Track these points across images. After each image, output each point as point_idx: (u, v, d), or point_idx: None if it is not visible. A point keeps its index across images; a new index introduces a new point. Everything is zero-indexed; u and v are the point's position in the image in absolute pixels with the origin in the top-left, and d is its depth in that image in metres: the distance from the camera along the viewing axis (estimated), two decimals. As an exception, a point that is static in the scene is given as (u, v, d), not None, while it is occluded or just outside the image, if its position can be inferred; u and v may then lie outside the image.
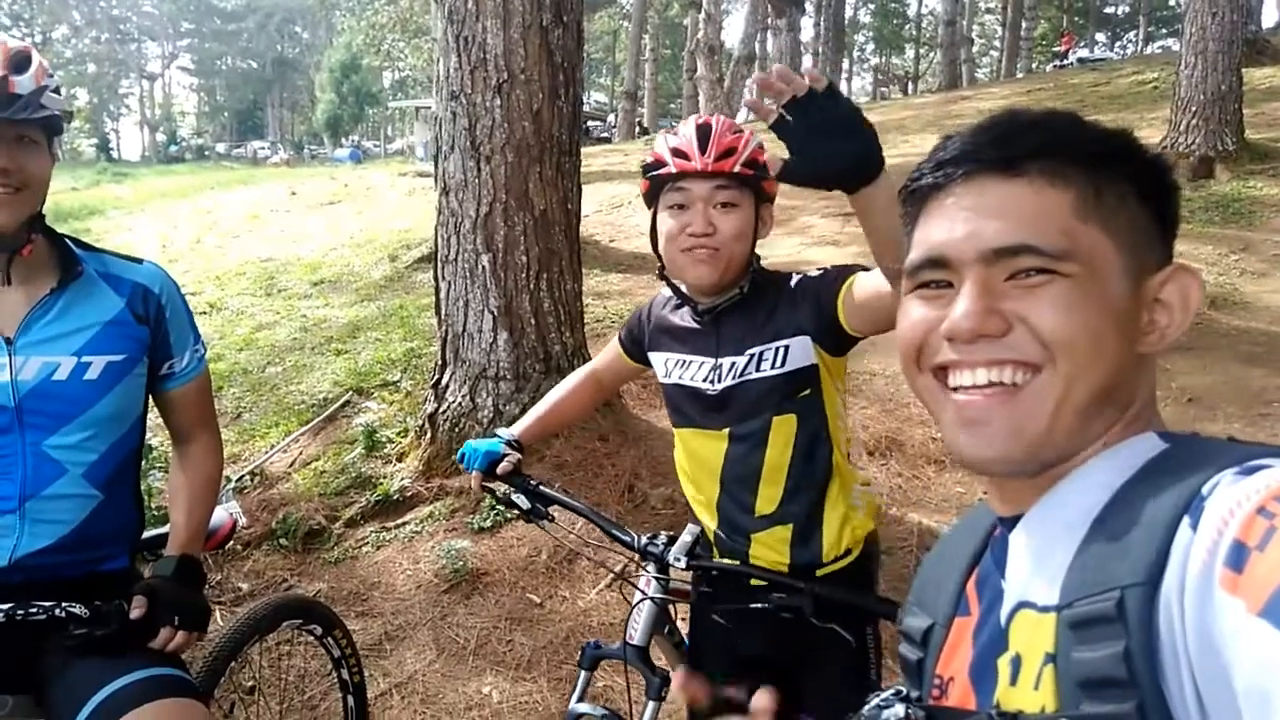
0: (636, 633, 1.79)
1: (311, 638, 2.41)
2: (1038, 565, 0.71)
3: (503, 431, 2.05)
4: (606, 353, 2.12)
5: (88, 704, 1.53)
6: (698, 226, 1.65)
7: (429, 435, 4.59)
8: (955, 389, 0.73)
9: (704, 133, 1.66)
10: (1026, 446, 0.71)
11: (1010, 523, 0.76)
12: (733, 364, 1.74)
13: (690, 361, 1.80)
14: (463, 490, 4.22)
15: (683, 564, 1.75)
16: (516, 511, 1.94)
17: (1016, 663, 0.70)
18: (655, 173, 1.71)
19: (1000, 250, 0.71)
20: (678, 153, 1.66)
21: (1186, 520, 0.58)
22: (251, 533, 4.09)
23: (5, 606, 1.49)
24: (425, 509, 4.20)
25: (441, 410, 4.56)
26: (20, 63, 1.52)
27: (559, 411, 2.15)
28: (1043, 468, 0.73)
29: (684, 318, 1.84)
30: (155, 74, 74.83)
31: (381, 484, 4.40)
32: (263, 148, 56.43)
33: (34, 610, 1.52)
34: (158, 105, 74.18)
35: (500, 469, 1.94)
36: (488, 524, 4.00)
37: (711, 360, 1.76)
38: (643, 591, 1.81)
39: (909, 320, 0.77)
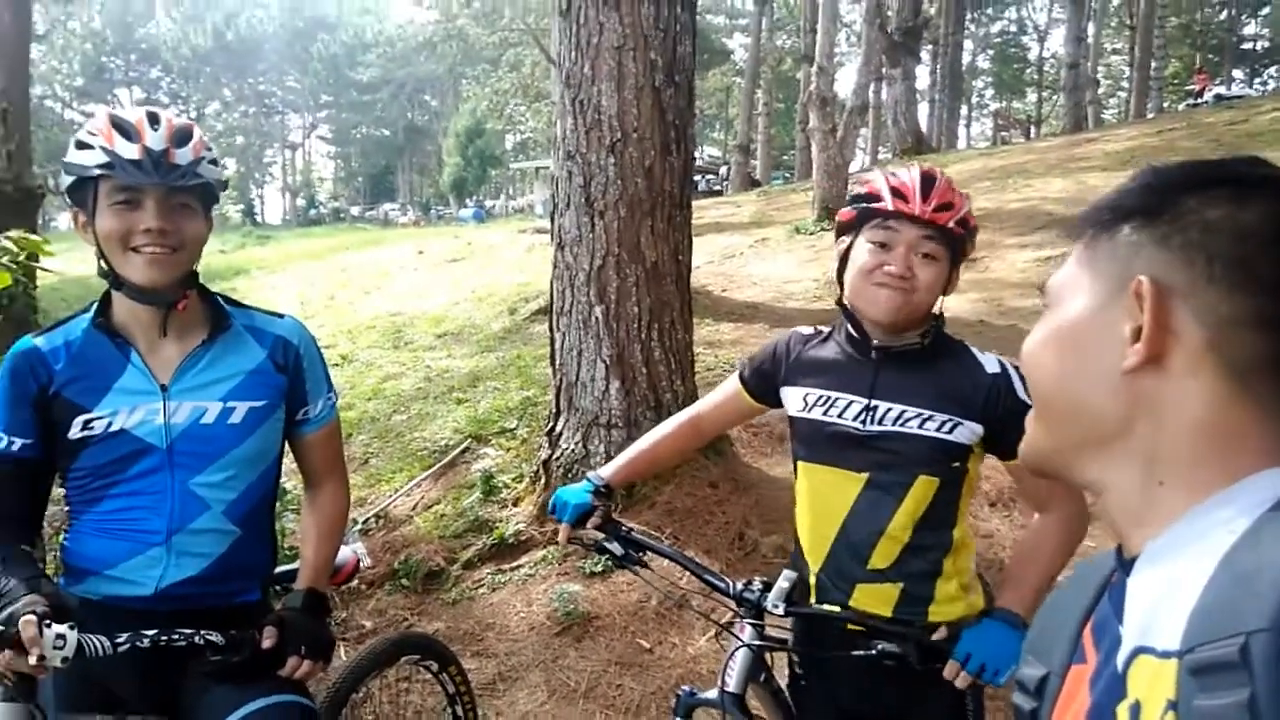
0: (732, 680, 1.78)
1: (428, 674, 2.50)
2: (1157, 609, 0.68)
3: (592, 475, 2.04)
4: (716, 394, 2.08)
5: None
6: (898, 268, 1.66)
7: (543, 481, 4.70)
8: None
9: (928, 181, 1.68)
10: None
11: (1128, 568, 0.75)
12: (890, 410, 1.72)
13: (837, 399, 1.77)
14: (575, 536, 4.29)
15: (780, 610, 1.73)
16: (610, 558, 1.95)
17: (1136, 710, 0.67)
18: (868, 205, 1.72)
19: None
20: (897, 192, 1.68)
21: None
22: (375, 573, 4.26)
23: (151, 633, 1.62)
24: (539, 553, 4.29)
25: (555, 457, 4.67)
26: (183, 136, 1.70)
27: (653, 454, 2.12)
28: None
29: (834, 352, 1.83)
30: (296, 143, 79.94)
31: (498, 528, 4.52)
32: (393, 209, 59.26)
33: (176, 637, 1.65)
34: (298, 172, 79.06)
35: (590, 524, 1.94)
36: (599, 569, 4.05)
37: (864, 400, 1.74)
38: (738, 638, 1.80)
39: None
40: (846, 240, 1.78)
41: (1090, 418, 0.75)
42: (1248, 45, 55.98)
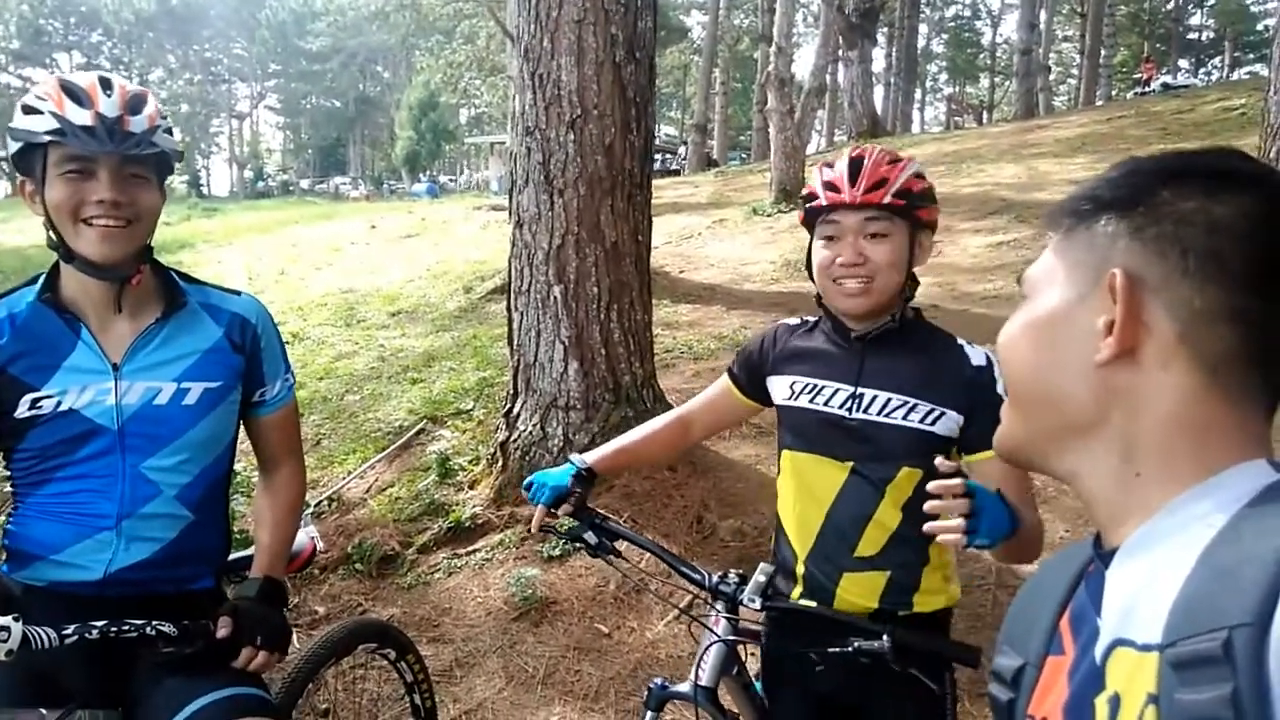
0: (705, 673, 1.76)
1: (385, 662, 2.45)
2: (1136, 601, 0.69)
3: (575, 458, 1.99)
4: (706, 395, 2.04)
5: (174, 718, 1.59)
6: (847, 257, 1.66)
7: (500, 463, 4.65)
8: None
9: (855, 166, 1.67)
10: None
11: (1106, 558, 0.75)
12: (875, 398, 1.72)
13: (823, 386, 1.77)
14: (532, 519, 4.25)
15: (757, 605, 1.72)
16: (584, 547, 1.91)
17: (1115, 702, 0.68)
18: (808, 204, 1.74)
19: None
20: (829, 185, 1.69)
21: None
22: (328, 557, 4.19)
23: (100, 624, 1.55)
24: (496, 536, 4.24)
25: (513, 439, 4.62)
26: (137, 103, 1.62)
27: (640, 449, 2.07)
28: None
29: (821, 341, 1.83)
30: (244, 113, 77.99)
31: (454, 511, 4.47)
32: (344, 183, 58.24)
33: (127, 628, 1.58)
34: (246, 143, 77.13)
35: (563, 510, 1.90)
36: (557, 553, 4.02)
37: (850, 388, 1.74)
38: (714, 632, 1.78)
39: None
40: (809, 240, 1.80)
41: (1065, 408, 0.76)
42: (1193, 35, 57.23)
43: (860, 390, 1.73)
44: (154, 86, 65.23)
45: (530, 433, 4.58)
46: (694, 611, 1.90)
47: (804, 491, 1.81)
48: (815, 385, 1.79)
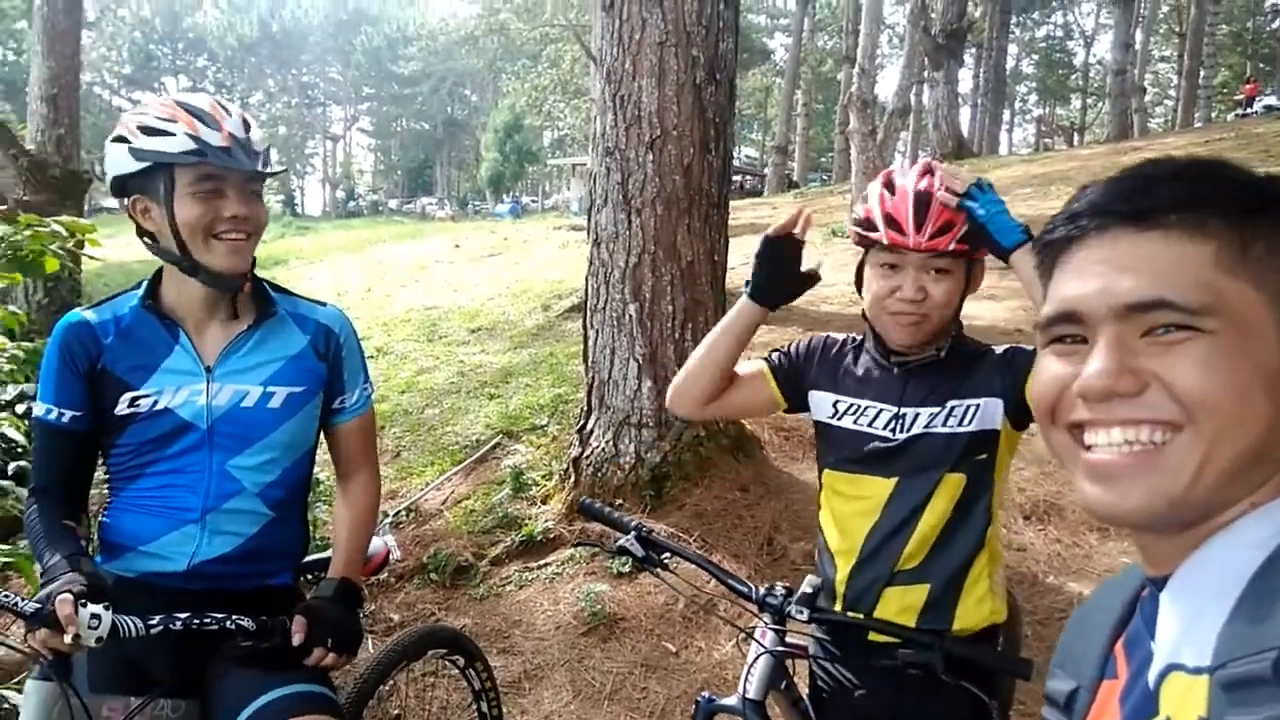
0: (753, 686, 1.75)
1: (455, 669, 2.50)
2: (1189, 626, 0.68)
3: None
4: (740, 372, 1.97)
5: (243, 712, 1.67)
6: (908, 292, 1.64)
7: (573, 479, 4.69)
8: (1090, 447, 0.71)
9: (920, 206, 1.63)
10: (1166, 505, 0.68)
11: (1160, 583, 0.73)
12: (919, 415, 1.72)
13: (868, 407, 1.77)
14: (604, 534, 4.28)
15: (805, 616, 1.71)
16: (631, 560, 1.90)
17: None
18: (866, 234, 1.70)
19: (1134, 305, 0.69)
20: (891, 222, 1.64)
21: None
22: (405, 566, 4.28)
23: (184, 615, 1.62)
24: (567, 551, 4.28)
25: (585, 455, 4.66)
26: (249, 124, 1.73)
27: (716, 352, 1.93)
28: (1183, 526, 0.70)
29: (866, 363, 1.82)
30: (338, 135, 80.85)
31: (526, 525, 4.52)
32: (431, 203, 59.76)
33: (208, 621, 1.65)
34: (338, 164, 79.94)
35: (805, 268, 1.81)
36: (626, 569, 4.04)
37: (894, 409, 1.74)
38: (760, 643, 1.77)
39: (1044, 376, 0.76)
40: (862, 256, 1.79)
41: (1265, 465, 0.68)
42: (1301, 54, 54.70)
43: (904, 410, 1.73)
44: (254, 109, 68.10)
45: (603, 449, 4.62)
46: (747, 626, 1.88)
47: (849, 509, 1.80)
48: (860, 406, 1.78)
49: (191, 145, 1.63)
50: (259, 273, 1.88)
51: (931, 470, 1.71)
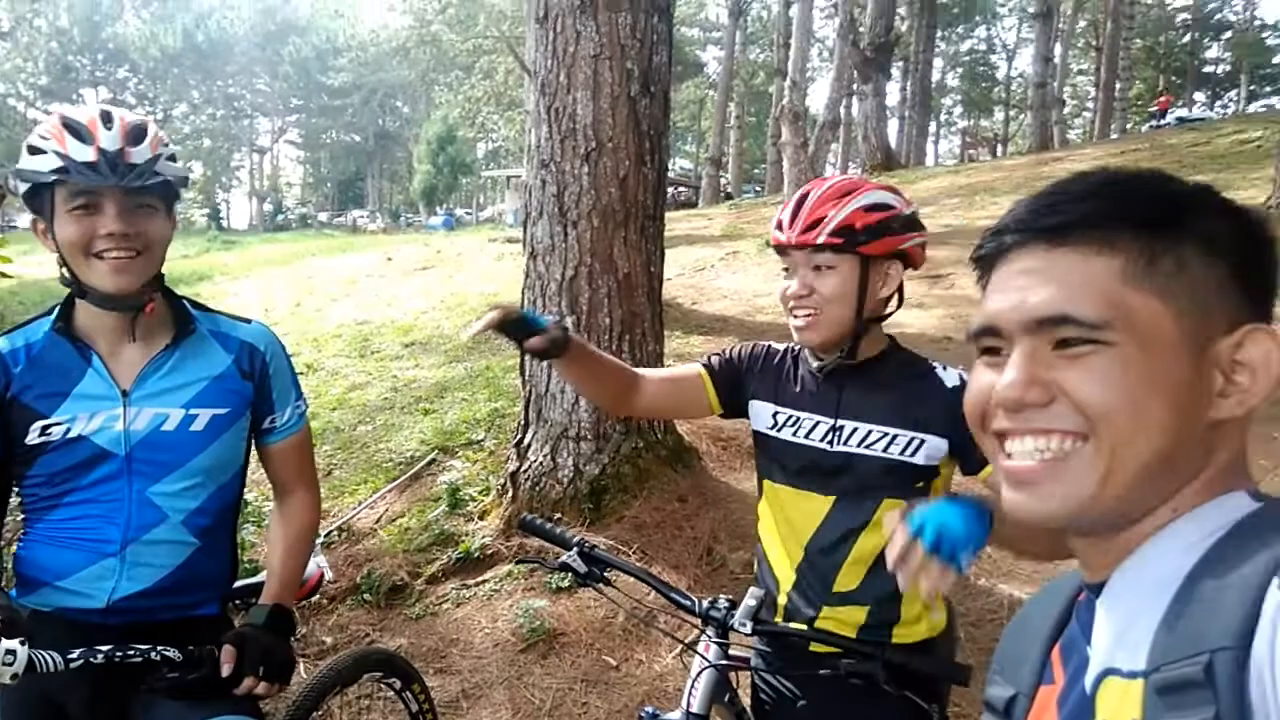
0: (696, 700, 1.73)
1: (391, 691, 2.44)
2: (1124, 630, 0.69)
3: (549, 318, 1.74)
4: (671, 371, 1.96)
5: None
6: (794, 289, 1.68)
7: (510, 494, 4.64)
8: (1010, 455, 0.74)
9: (798, 205, 1.68)
10: (1076, 511, 0.71)
11: (1096, 589, 0.75)
12: (856, 430, 1.71)
13: (804, 419, 1.77)
14: (543, 550, 4.24)
15: (748, 629, 1.70)
16: (573, 576, 1.88)
17: None
18: (770, 243, 1.77)
19: (1042, 320, 0.71)
20: (778, 225, 1.71)
21: (1276, 582, 0.57)
22: (337, 587, 4.18)
23: (105, 649, 1.56)
24: (505, 567, 4.23)
25: (523, 469, 4.62)
26: (137, 135, 1.63)
27: (606, 365, 1.86)
28: (1107, 531, 0.72)
29: (803, 374, 1.82)
30: (265, 148, 79.14)
31: (463, 542, 4.46)
32: (362, 216, 58.88)
33: (131, 654, 1.59)
34: (266, 177, 78.30)
35: (531, 342, 1.64)
36: (565, 584, 4.00)
37: (830, 420, 1.74)
38: (704, 657, 1.76)
39: (973, 386, 0.79)
40: None
41: (1184, 465, 0.70)
42: (1209, 69, 57.30)
43: (840, 422, 1.73)
44: (178, 121, 66.44)
45: (541, 463, 4.58)
46: (689, 640, 1.87)
47: (785, 524, 1.80)
48: (797, 418, 1.78)
49: (57, 163, 1.56)
50: (182, 290, 1.82)
51: (871, 494, 1.71)
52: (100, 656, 1.55)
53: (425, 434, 6.26)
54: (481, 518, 4.74)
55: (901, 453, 1.68)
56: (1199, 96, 55.48)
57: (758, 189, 36.19)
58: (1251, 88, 53.02)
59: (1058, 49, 33.87)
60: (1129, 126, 36.91)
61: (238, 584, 1.98)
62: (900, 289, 1.73)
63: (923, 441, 1.67)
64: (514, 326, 1.64)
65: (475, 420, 6.35)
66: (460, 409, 6.75)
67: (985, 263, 0.80)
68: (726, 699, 1.87)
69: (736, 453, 5.13)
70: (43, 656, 1.46)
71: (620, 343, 4.57)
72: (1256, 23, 55.11)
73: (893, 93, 36.17)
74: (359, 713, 2.75)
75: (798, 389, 1.81)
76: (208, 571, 1.82)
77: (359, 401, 7.64)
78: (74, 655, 1.51)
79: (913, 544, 1.28)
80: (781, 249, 1.71)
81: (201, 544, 1.78)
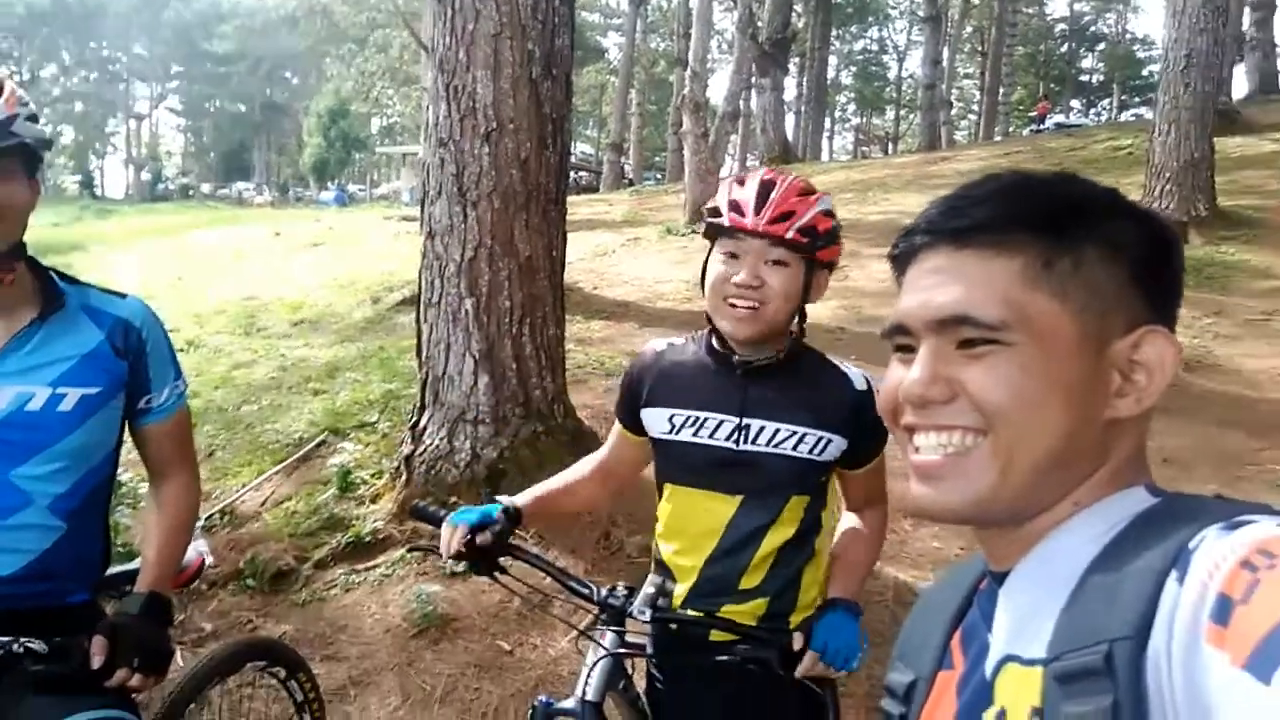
0: (591, 688, 1.70)
1: (275, 680, 2.36)
2: (1025, 619, 0.71)
3: (504, 499, 1.86)
4: (610, 443, 1.98)
5: None
6: (745, 277, 1.61)
7: (405, 477, 4.54)
8: (917, 449, 0.76)
9: (765, 191, 1.62)
10: (975, 505, 0.73)
11: (999, 577, 0.76)
12: (763, 429, 1.69)
13: (705, 419, 1.72)
14: (437, 535, 4.16)
15: (647, 616, 1.69)
16: (468, 565, 1.83)
17: (1001, 717, 0.70)
18: (712, 220, 1.68)
19: (944, 320, 0.73)
20: (735, 207, 1.63)
21: (1174, 574, 0.58)
22: (218, 572, 4.01)
23: None
24: (397, 552, 4.13)
25: (419, 452, 4.53)
26: None
27: (569, 493, 1.99)
28: (1008, 523, 0.74)
29: (699, 367, 1.76)
30: (143, 114, 75.09)
31: (354, 525, 4.34)
32: (248, 189, 56.62)
33: None
34: (144, 144, 74.23)
35: (480, 538, 1.73)
36: (460, 568, 3.93)
37: (735, 419, 1.70)
38: (601, 645, 1.73)
39: (887, 381, 0.80)
40: (707, 250, 1.76)
41: (1080, 463, 0.72)
42: (1085, 78, 60.34)
43: (746, 421, 1.70)
44: (46, 83, 62.39)
45: (437, 446, 4.49)
46: (589, 628, 1.84)
47: (689, 526, 1.77)
48: (698, 418, 1.73)
49: None
50: (54, 260, 1.70)
51: (779, 492, 1.71)
52: None
53: (315, 415, 6.07)
54: (374, 501, 4.62)
55: (810, 451, 1.69)
56: (1075, 104, 58.45)
57: (658, 176, 36.33)
58: (1123, 97, 56.11)
59: (946, 52, 35.06)
60: (1011, 130, 38.54)
61: (111, 571, 1.87)
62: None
63: (830, 440, 1.69)
64: (475, 532, 1.74)
65: (368, 402, 6.19)
66: (352, 390, 6.56)
67: (899, 262, 0.81)
68: (621, 686, 1.86)
69: (634, 438, 5.14)
70: None
71: (520, 327, 4.52)
72: (1128, 36, 58.35)
73: (790, 88, 36.81)
74: (239, 701, 2.65)
75: (694, 386, 1.76)
76: (77, 558, 1.71)
77: (244, 380, 7.36)
78: None
79: (816, 660, 1.59)
80: (730, 234, 1.64)
81: (70, 528, 1.67)
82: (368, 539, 4.24)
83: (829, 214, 1.67)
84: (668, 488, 1.81)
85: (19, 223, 1.59)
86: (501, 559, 1.82)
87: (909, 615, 0.93)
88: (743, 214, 1.62)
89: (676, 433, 1.75)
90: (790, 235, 1.61)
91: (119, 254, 17.65)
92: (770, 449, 1.69)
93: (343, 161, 50.01)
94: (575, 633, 3.49)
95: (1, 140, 1.50)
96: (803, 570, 1.76)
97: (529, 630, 3.63)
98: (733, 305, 1.64)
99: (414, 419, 4.68)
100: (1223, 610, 0.54)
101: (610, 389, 6.06)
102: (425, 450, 4.51)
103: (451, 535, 1.74)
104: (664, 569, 1.82)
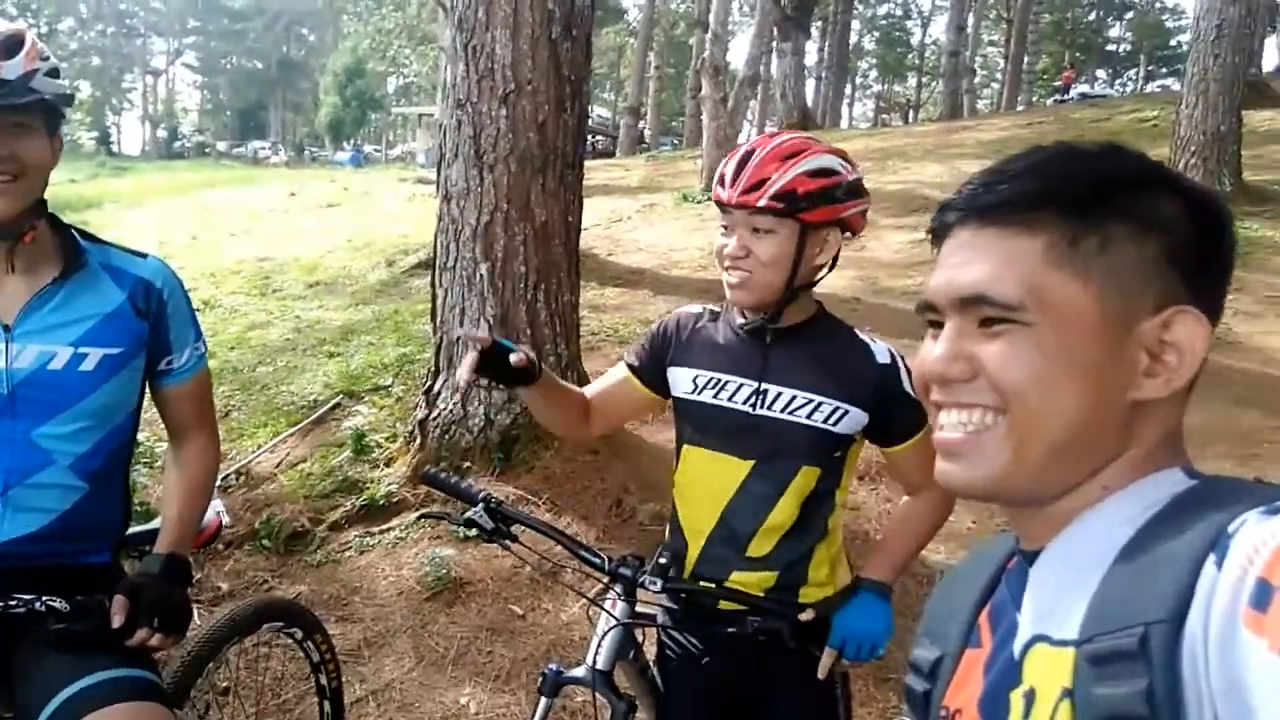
0: (601, 657, 1.72)
1: (291, 641, 2.38)
2: (1057, 599, 0.70)
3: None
4: (603, 385, 1.95)
5: (52, 700, 1.51)
6: (731, 249, 1.63)
7: (418, 441, 4.57)
8: (941, 426, 0.76)
9: (741, 163, 1.62)
10: (991, 483, 0.73)
11: (1030, 556, 0.76)
12: (780, 394, 1.69)
13: (727, 381, 1.73)
14: (449, 501, 4.19)
15: (658, 587, 1.70)
16: (479, 532, 1.82)
17: (1030, 696, 0.69)
18: (711, 194, 1.71)
19: (965, 299, 0.73)
20: (720, 180, 1.65)
21: (1212, 558, 0.57)
22: (234, 532, 4.06)
23: None
24: (411, 515, 4.17)
25: (432, 416, 4.55)
26: (10, 48, 1.49)
27: (568, 396, 1.90)
28: (1026, 500, 0.74)
29: (726, 334, 1.78)
30: (159, 70, 74.87)
31: (368, 488, 4.37)
32: (263, 148, 56.44)
33: (14, 604, 1.50)
34: (160, 101, 74.17)
35: (514, 358, 1.62)
36: (473, 533, 3.96)
37: (754, 384, 1.71)
38: (611, 614, 1.75)
39: (920, 356, 0.80)
40: None
41: (1101, 444, 0.72)
42: (1111, 47, 59.31)
43: (765, 386, 1.71)
44: (63, 36, 62.22)
45: (451, 411, 4.51)
46: (598, 597, 1.86)
47: (701, 488, 1.78)
48: (719, 380, 1.75)
49: None
50: (69, 217, 1.69)
51: (790, 460, 1.70)
52: None
53: (330, 377, 6.10)
54: (388, 465, 4.65)
55: (825, 421, 1.68)
56: (1101, 74, 57.53)
57: (675, 141, 36.05)
58: (1150, 68, 55.13)
59: (971, 19, 34.46)
60: (1035, 99, 38.04)
61: (131, 531, 1.88)
62: (835, 255, 1.70)
63: (846, 412, 1.68)
64: (493, 358, 1.62)
65: (383, 365, 6.21)
66: (367, 353, 6.59)
67: (935, 237, 0.81)
68: (631, 655, 1.88)
69: (647, 406, 5.15)
70: None
71: (535, 292, 4.51)
72: (1157, 5, 57.27)
73: (811, 53, 36.34)
74: (256, 659, 2.69)
75: (719, 350, 1.78)
76: (98, 518, 1.72)
77: (259, 341, 7.39)
78: None
79: (834, 658, 1.64)
80: (722, 205, 1.66)
81: (91, 489, 1.68)
82: (382, 502, 4.27)
83: (818, 173, 1.61)
84: (684, 449, 1.83)
85: (38, 180, 1.58)
86: (513, 527, 1.84)
87: (935, 591, 0.93)
88: (723, 186, 1.64)
89: (698, 394, 1.77)
90: (764, 203, 1.59)
91: (135, 212, 17.69)
92: (785, 415, 1.69)
93: (358, 121, 49.80)
94: (584, 604, 3.54)
95: (19, 96, 1.48)
96: (814, 548, 1.76)
97: (541, 595, 3.66)
98: (728, 274, 1.66)
99: (428, 384, 4.69)
100: (1262, 596, 0.53)
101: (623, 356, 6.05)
102: (439, 415, 4.53)
103: (469, 360, 1.62)
104: (677, 533, 1.83)
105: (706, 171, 13.08)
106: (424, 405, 4.64)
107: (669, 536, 1.88)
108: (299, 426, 5.36)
